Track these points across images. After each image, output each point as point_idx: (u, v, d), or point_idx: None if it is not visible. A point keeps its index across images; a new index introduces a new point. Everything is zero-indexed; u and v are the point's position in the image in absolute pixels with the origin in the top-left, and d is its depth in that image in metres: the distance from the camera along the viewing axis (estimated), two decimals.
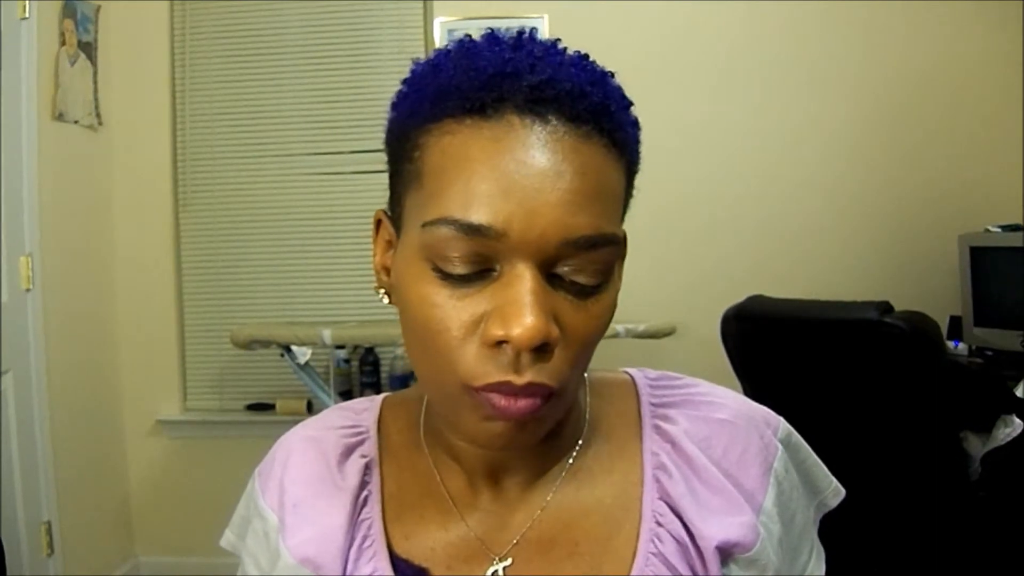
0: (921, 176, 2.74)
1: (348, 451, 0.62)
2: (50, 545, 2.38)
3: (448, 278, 0.49)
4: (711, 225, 2.78)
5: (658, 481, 0.58)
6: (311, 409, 2.76)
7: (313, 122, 2.85)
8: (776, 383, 1.96)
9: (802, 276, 2.69)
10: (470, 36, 0.53)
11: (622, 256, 0.56)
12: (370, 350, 2.81)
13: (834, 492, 0.65)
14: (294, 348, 2.42)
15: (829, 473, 0.65)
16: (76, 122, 2.62)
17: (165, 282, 2.90)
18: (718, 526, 0.55)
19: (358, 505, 0.59)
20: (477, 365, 0.49)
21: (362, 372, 2.81)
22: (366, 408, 0.66)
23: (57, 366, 2.46)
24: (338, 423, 0.65)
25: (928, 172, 2.74)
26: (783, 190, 2.77)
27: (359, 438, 0.63)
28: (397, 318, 0.55)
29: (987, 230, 2.44)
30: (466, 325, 0.49)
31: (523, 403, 0.49)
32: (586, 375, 0.64)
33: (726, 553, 0.55)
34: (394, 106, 0.55)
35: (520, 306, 0.47)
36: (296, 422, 0.68)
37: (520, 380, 0.48)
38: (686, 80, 2.78)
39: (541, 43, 0.52)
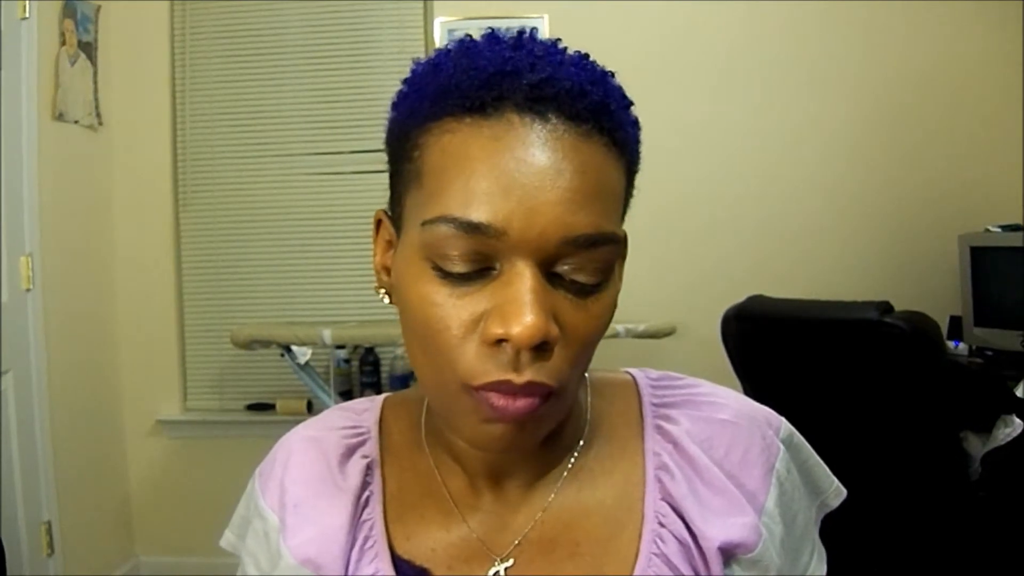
0: (921, 176, 2.74)
1: (349, 451, 0.62)
2: (50, 545, 2.38)
3: (448, 277, 0.49)
4: (711, 225, 2.78)
5: (660, 481, 0.58)
6: (311, 409, 2.76)
7: (313, 122, 2.85)
8: (776, 383, 1.96)
9: (802, 276, 2.69)
10: (471, 36, 0.53)
11: (623, 256, 0.56)
12: (370, 350, 2.81)
13: (835, 492, 0.65)
14: (294, 348, 2.42)
15: (830, 473, 0.65)
16: (76, 122, 2.62)
17: (165, 282, 2.90)
18: (720, 527, 0.55)
19: (359, 506, 0.59)
20: (477, 364, 0.49)
21: (362, 372, 2.81)
22: (367, 408, 0.66)
23: (57, 366, 2.46)
24: (339, 423, 0.65)
25: (928, 172, 2.74)
26: (783, 190, 2.77)
27: (360, 438, 0.63)
28: (397, 318, 0.55)
29: (987, 230, 2.44)
30: (466, 324, 0.49)
31: (522, 403, 0.49)
32: (587, 375, 0.64)
33: (728, 554, 0.55)
34: (394, 106, 0.55)
35: (520, 304, 0.47)
36: (296, 422, 0.68)
37: (520, 379, 0.48)
38: (686, 80, 2.78)
39: (541, 43, 0.52)
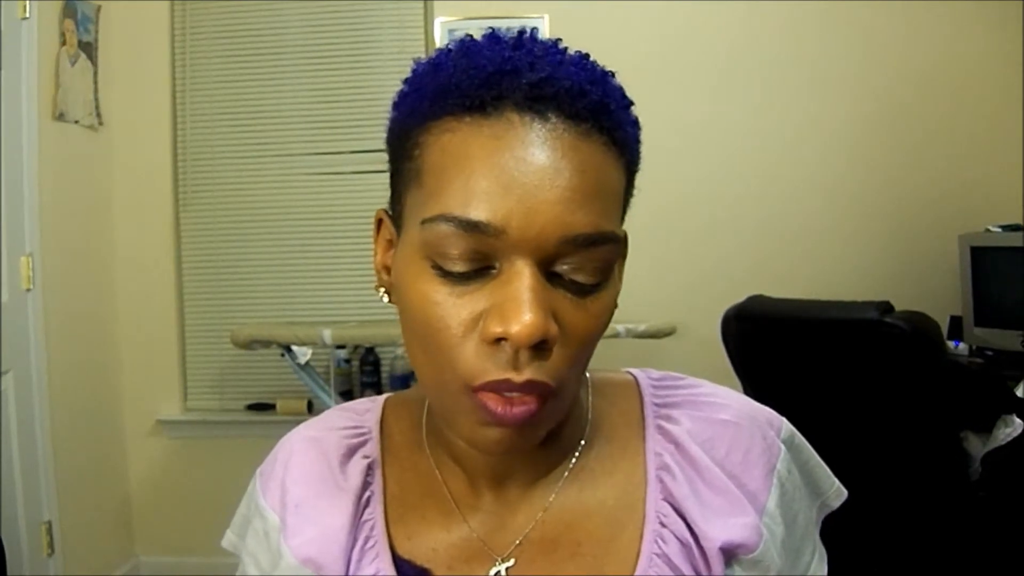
0: (921, 176, 2.74)
1: (350, 452, 0.62)
2: (50, 545, 2.38)
3: (447, 276, 0.49)
4: (711, 225, 2.78)
5: (661, 482, 0.58)
6: (311, 409, 2.76)
7: (313, 122, 2.85)
8: (777, 383, 1.96)
9: (802, 276, 2.69)
10: (471, 36, 0.53)
11: (623, 256, 0.56)
12: (370, 350, 2.81)
13: (836, 493, 0.65)
14: (294, 348, 2.42)
15: (831, 474, 0.65)
16: (76, 122, 2.62)
17: (165, 282, 2.90)
18: (721, 527, 0.55)
19: (360, 506, 0.59)
20: (476, 363, 0.49)
21: (362, 372, 2.81)
22: (368, 409, 0.66)
23: (57, 366, 2.46)
24: (340, 424, 0.65)
25: (928, 172, 2.74)
26: (783, 190, 2.77)
27: (361, 439, 0.63)
28: (397, 318, 0.55)
29: (987, 230, 2.44)
30: (465, 323, 0.49)
31: (519, 410, 0.49)
32: (588, 375, 0.64)
33: (730, 554, 0.55)
34: (395, 105, 0.55)
35: (519, 303, 0.47)
36: (296, 422, 0.68)
37: (519, 377, 0.48)
38: (686, 80, 2.78)
39: (542, 42, 0.52)
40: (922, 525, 1.75)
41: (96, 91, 2.73)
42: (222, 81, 2.88)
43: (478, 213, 0.48)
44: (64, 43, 2.55)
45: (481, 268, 0.49)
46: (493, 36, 0.53)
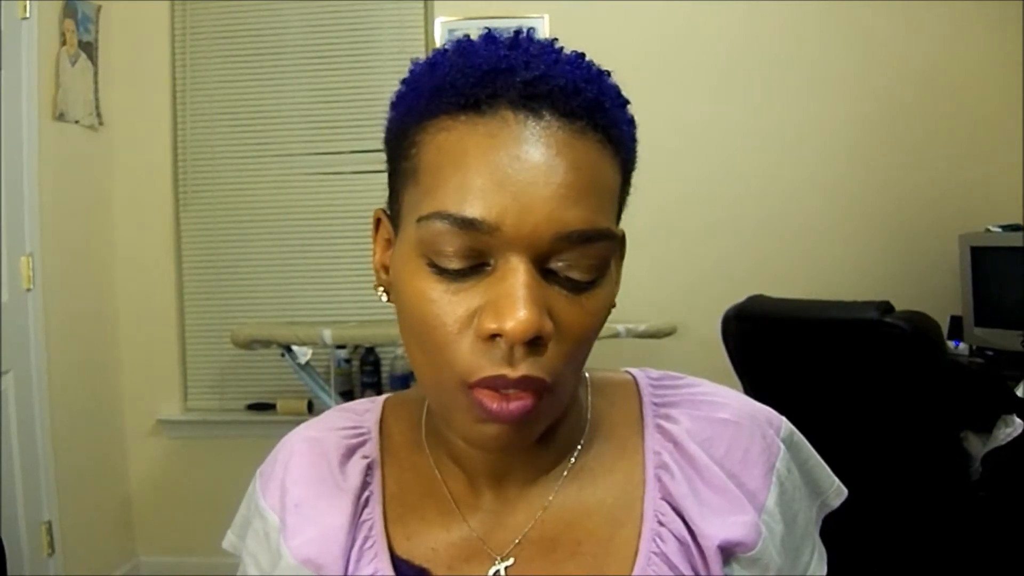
0: (921, 176, 2.74)
1: (350, 452, 0.62)
2: (51, 545, 2.38)
3: (443, 273, 0.50)
4: (711, 225, 2.78)
5: (660, 481, 0.58)
6: (312, 409, 2.76)
7: (313, 122, 2.85)
8: (777, 383, 1.96)
9: (802, 276, 2.69)
10: (468, 36, 0.54)
11: (620, 254, 0.56)
12: (371, 350, 2.81)
13: (836, 492, 0.65)
14: (295, 348, 2.42)
15: (831, 473, 0.65)
16: (77, 122, 2.62)
17: (165, 282, 2.90)
18: (720, 525, 0.55)
19: (359, 506, 0.59)
20: (472, 359, 0.49)
21: (363, 372, 2.81)
22: (368, 409, 0.66)
23: (58, 366, 2.46)
24: (340, 424, 0.65)
25: (928, 172, 2.74)
26: (783, 190, 2.77)
27: (361, 439, 0.63)
28: (397, 318, 0.55)
29: (988, 230, 2.44)
30: (461, 320, 0.49)
31: (515, 405, 0.49)
32: (587, 375, 0.64)
33: (728, 552, 0.55)
34: (393, 105, 0.56)
35: (513, 299, 0.47)
36: (297, 422, 0.68)
37: (514, 373, 0.48)
38: (686, 80, 2.78)
39: (538, 42, 0.53)
40: (922, 525, 1.75)
41: (96, 91, 2.73)
42: (222, 81, 2.88)
43: (473, 210, 0.48)
44: (64, 43, 2.55)
45: (476, 265, 0.50)
46: (489, 36, 0.53)
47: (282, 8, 2.85)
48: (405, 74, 0.56)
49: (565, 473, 0.59)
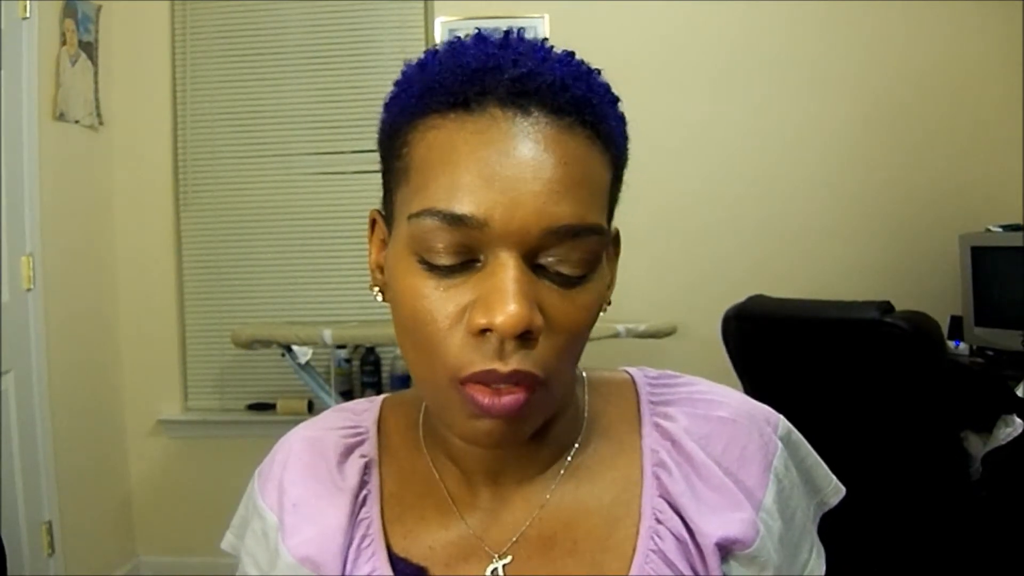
0: (921, 176, 2.74)
1: (348, 451, 0.63)
2: (51, 545, 2.38)
3: (434, 269, 0.50)
4: (711, 225, 2.78)
5: (658, 479, 0.58)
6: (312, 409, 2.76)
7: (314, 122, 2.85)
8: (777, 383, 1.96)
9: (802, 276, 2.69)
10: (459, 37, 0.54)
11: (615, 252, 0.58)
12: (371, 350, 2.81)
13: (834, 490, 0.65)
14: (295, 348, 2.42)
15: (829, 471, 0.65)
16: (77, 122, 2.62)
17: (166, 282, 2.90)
18: (717, 523, 0.55)
19: (357, 504, 0.60)
20: (462, 354, 0.49)
21: (363, 372, 2.81)
22: (366, 409, 0.67)
23: (58, 366, 2.46)
24: (338, 423, 0.65)
25: (928, 172, 2.74)
26: (783, 190, 2.77)
27: (359, 438, 0.64)
28: (392, 316, 0.56)
29: (988, 230, 2.44)
30: (452, 316, 0.50)
31: (507, 399, 0.49)
32: (585, 374, 0.64)
33: (725, 550, 0.56)
34: (386, 107, 0.56)
35: (503, 294, 0.47)
36: (297, 422, 0.68)
37: (505, 368, 0.49)
38: (686, 80, 2.78)
39: (528, 41, 0.53)
40: (922, 525, 1.75)
41: (96, 91, 2.73)
42: (222, 81, 2.88)
43: (462, 206, 0.48)
44: (64, 43, 2.55)
45: (467, 262, 0.50)
46: (479, 36, 0.53)
47: (282, 8, 2.85)
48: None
49: (562, 471, 0.59)
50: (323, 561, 0.57)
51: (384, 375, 2.83)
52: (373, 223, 0.60)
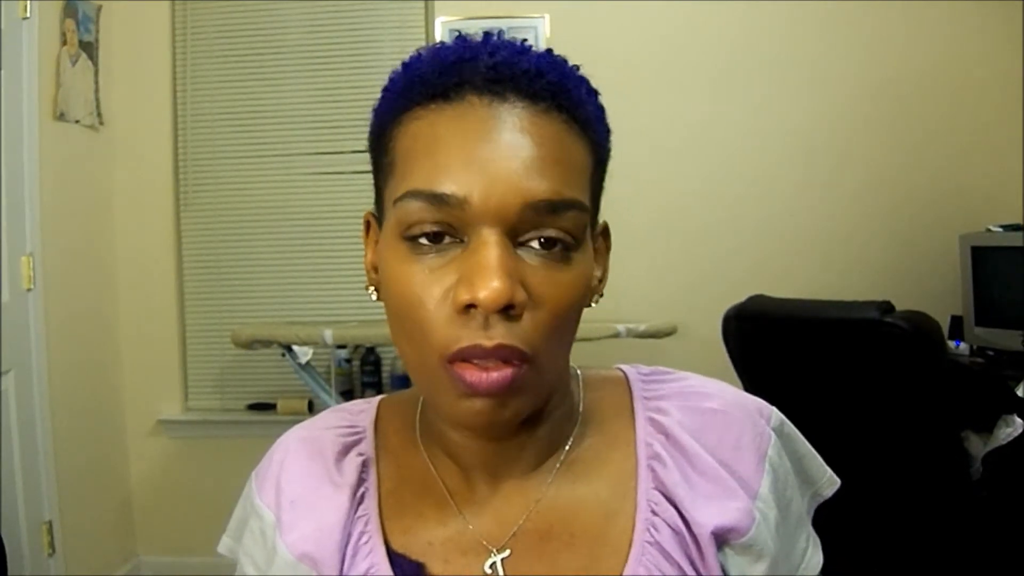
0: (921, 176, 2.74)
1: (345, 449, 0.63)
2: (51, 545, 2.38)
3: (420, 252, 0.52)
4: (711, 225, 2.78)
5: (653, 471, 0.59)
6: (312, 409, 2.76)
7: (314, 122, 2.85)
8: (777, 383, 1.96)
9: (802, 276, 2.69)
10: (443, 42, 0.57)
11: (606, 246, 0.59)
12: (371, 350, 2.81)
13: (829, 482, 0.66)
14: (295, 348, 2.42)
15: (823, 463, 0.66)
16: (77, 122, 2.62)
17: (166, 282, 2.90)
18: (712, 512, 0.56)
19: (355, 501, 0.60)
20: (449, 331, 0.50)
21: (363, 372, 2.81)
22: (363, 410, 0.67)
23: (58, 366, 2.46)
24: (335, 423, 0.65)
25: (928, 172, 2.74)
26: (783, 190, 2.77)
27: (356, 437, 0.64)
28: (385, 310, 0.57)
29: (988, 230, 2.44)
30: (438, 297, 0.51)
31: (495, 375, 0.50)
32: (579, 372, 0.65)
33: (721, 539, 0.56)
34: (374, 112, 0.59)
35: (485, 269, 0.49)
36: (297, 422, 0.68)
37: (490, 342, 0.50)
38: (686, 80, 2.78)
39: (505, 39, 0.55)
40: (923, 525, 1.75)
41: (97, 91, 2.74)
42: (223, 81, 2.88)
43: (442, 186, 0.50)
44: (65, 43, 2.55)
45: (452, 243, 0.52)
46: (460, 37, 0.56)
47: (282, 8, 2.85)
48: None
49: (558, 465, 0.60)
50: (321, 558, 0.58)
51: (384, 375, 2.83)
52: (367, 225, 0.61)
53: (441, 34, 2.78)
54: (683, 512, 0.56)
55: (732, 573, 0.57)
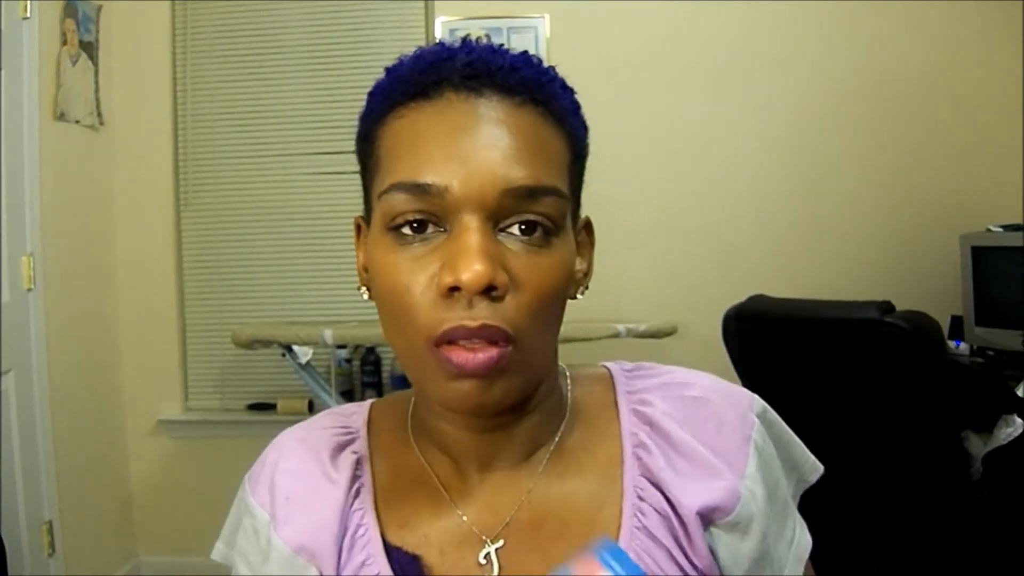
0: (921, 176, 2.74)
1: (340, 448, 0.64)
2: (51, 545, 2.38)
3: (405, 242, 0.54)
4: (711, 225, 2.78)
5: (638, 459, 0.60)
6: (312, 409, 2.76)
7: (314, 122, 2.85)
8: (778, 383, 1.96)
9: (802, 276, 2.69)
10: (423, 46, 0.59)
11: (590, 241, 0.62)
12: (371, 350, 2.81)
13: (812, 467, 0.67)
14: (295, 348, 2.42)
15: (806, 449, 0.67)
16: (77, 122, 2.62)
17: (166, 282, 2.90)
18: (697, 493, 0.57)
19: (351, 496, 0.61)
20: (434, 314, 0.52)
21: (363, 372, 2.81)
22: (355, 412, 0.69)
23: (58, 366, 2.46)
24: (328, 424, 0.67)
25: (928, 172, 2.74)
26: (783, 190, 2.77)
27: (350, 436, 0.65)
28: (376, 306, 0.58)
29: (988, 230, 2.44)
30: (423, 283, 0.53)
31: (481, 356, 0.52)
32: (567, 370, 0.66)
33: (707, 519, 0.57)
34: (360, 118, 0.61)
35: (467, 252, 0.51)
36: (297, 422, 0.68)
37: (474, 323, 0.51)
38: (686, 80, 2.78)
39: (484, 43, 0.58)
40: (923, 525, 1.75)
41: (97, 91, 2.74)
42: (223, 81, 2.88)
43: (424, 177, 0.53)
44: (65, 43, 2.55)
45: (435, 232, 0.54)
46: (440, 42, 0.59)
47: (282, 8, 2.85)
48: None
49: (548, 457, 0.61)
50: (318, 551, 0.59)
51: (384, 375, 2.83)
52: (358, 228, 0.63)
53: (441, 34, 2.78)
54: (669, 496, 0.58)
55: (721, 552, 0.58)
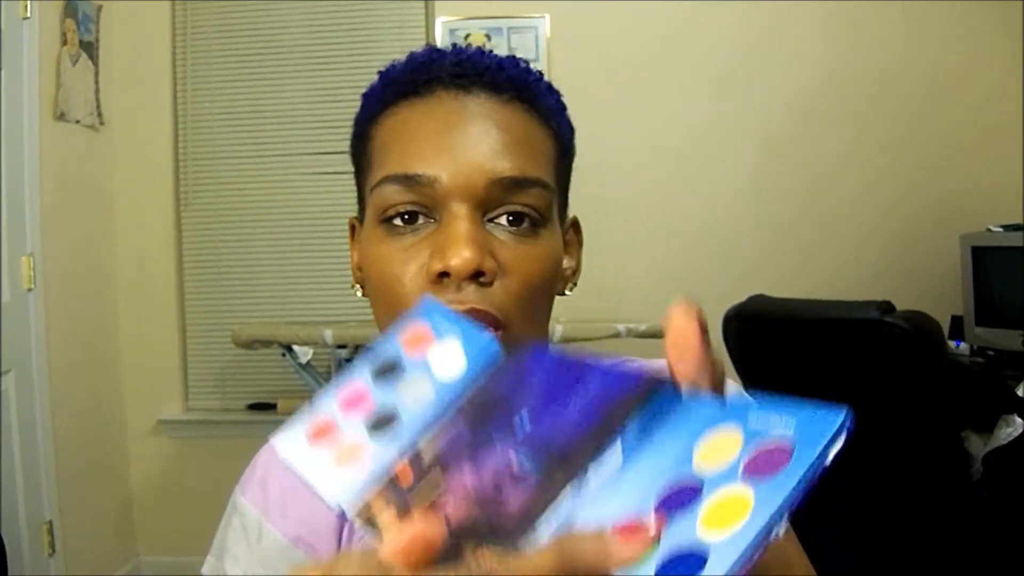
0: (922, 176, 2.74)
1: None
2: (51, 545, 2.38)
3: (396, 233, 0.56)
4: (711, 225, 2.78)
5: None
6: None
7: (314, 122, 2.85)
8: (778, 383, 1.96)
9: (802, 276, 2.69)
10: (414, 50, 0.62)
11: (578, 239, 0.64)
12: None
13: None
14: (296, 348, 2.42)
15: None
16: (77, 122, 2.62)
17: (166, 282, 2.90)
18: None
19: None
20: None
21: None
22: None
23: (58, 366, 2.46)
24: None
25: (928, 172, 2.74)
26: (783, 190, 2.77)
27: None
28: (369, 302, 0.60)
29: (988, 230, 2.44)
30: (414, 273, 0.55)
31: None
32: None
33: None
34: (355, 121, 0.63)
35: (455, 239, 0.52)
36: None
37: (462, 307, 0.52)
38: (686, 80, 2.78)
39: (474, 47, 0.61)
40: (923, 525, 1.75)
41: (97, 91, 2.74)
42: (223, 81, 2.88)
43: (414, 168, 0.55)
44: (65, 43, 2.55)
45: (425, 223, 0.55)
46: (431, 46, 0.62)
47: (282, 8, 2.85)
48: None
49: None
50: (317, 540, 0.59)
51: None
52: (353, 229, 0.65)
53: (441, 34, 2.78)
54: None
55: None
